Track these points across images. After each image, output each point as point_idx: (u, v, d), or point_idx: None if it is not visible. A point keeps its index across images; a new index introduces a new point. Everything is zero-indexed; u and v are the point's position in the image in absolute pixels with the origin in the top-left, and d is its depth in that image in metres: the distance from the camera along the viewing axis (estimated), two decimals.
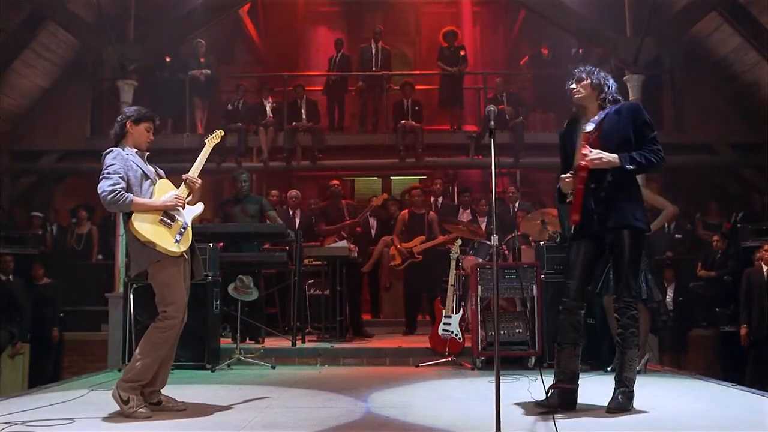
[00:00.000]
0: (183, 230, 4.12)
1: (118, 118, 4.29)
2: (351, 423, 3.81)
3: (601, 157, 3.97)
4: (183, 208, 4.20)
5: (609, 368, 5.81)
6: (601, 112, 4.15)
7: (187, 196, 4.29)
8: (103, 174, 4.03)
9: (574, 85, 4.24)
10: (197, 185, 4.32)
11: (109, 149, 4.16)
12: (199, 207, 4.36)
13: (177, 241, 4.06)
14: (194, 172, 4.37)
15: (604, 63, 10.76)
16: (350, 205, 9.38)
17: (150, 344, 4.01)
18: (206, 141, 4.59)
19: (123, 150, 4.16)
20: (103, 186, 3.97)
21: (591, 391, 4.34)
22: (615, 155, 3.98)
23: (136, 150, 4.23)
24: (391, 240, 8.61)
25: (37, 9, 9.70)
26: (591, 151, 3.99)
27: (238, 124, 10.66)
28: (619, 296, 4.06)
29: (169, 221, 4.09)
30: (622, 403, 3.94)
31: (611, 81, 4.23)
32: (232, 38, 13.52)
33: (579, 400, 4.04)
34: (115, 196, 3.94)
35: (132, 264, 4.24)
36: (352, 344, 7.35)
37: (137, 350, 4.05)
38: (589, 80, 4.19)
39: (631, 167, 3.96)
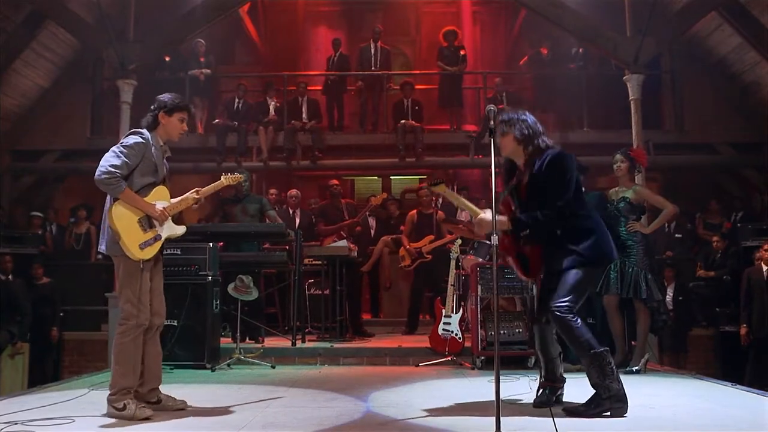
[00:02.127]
0: (154, 240, 4.04)
1: (152, 107, 4.18)
2: (351, 422, 3.81)
3: (483, 223, 3.96)
4: (163, 222, 4.10)
5: None
6: (527, 169, 4.02)
7: (195, 204, 4.31)
8: (115, 150, 3.96)
9: (499, 140, 4.08)
10: (197, 203, 4.34)
11: (140, 132, 4.07)
12: (181, 229, 4.28)
13: (142, 247, 3.97)
14: (204, 193, 4.36)
15: (605, 63, 10.83)
16: (349, 205, 9.38)
17: (118, 353, 3.95)
18: (222, 178, 4.55)
19: (151, 140, 4.07)
20: (106, 162, 3.89)
21: (590, 390, 4.33)
22: (504, 218, 3.96)
23: (164, 142, 4.17)
24: (392, 240, 8.60)
25: (37, 9, 9.70)
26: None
27: (235, 123, 10.68)
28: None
29: (145, 226, 4.01)
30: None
31: (537, 127, 4.03)
32: (232, 38, 13.54)
33: (578, 401, 4.05)
34: (110, 178, 3.85)
35: (102, 239, 4.09)
36: (352, 344, 7.34)
37: (112, 362, 3.99)
38: (512, 134, 4.03)
39: (523, 232, 3.93)
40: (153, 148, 4.07)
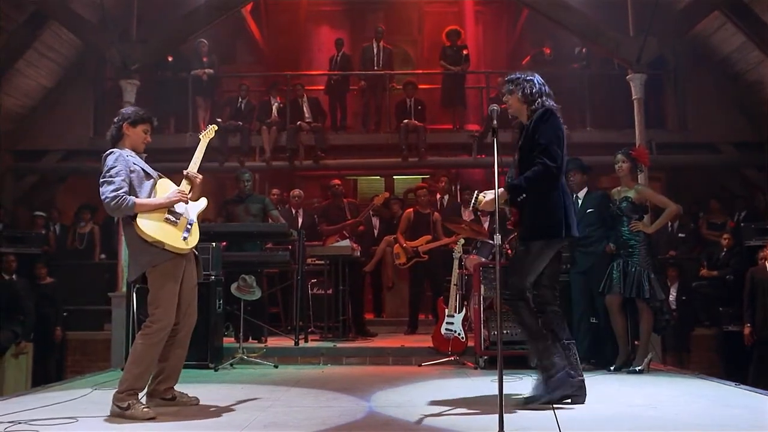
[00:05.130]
0: (190, 226, 4.12)
1: (115, 119, 4.23)
2: (353, 422, 3.81)
3: (487, 201, 4.08)
4: (187, 203, 4.19)
5: (612, 368, 5.81)
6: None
7: (189, 192, 4.28)
8: (105, 177, 3.98)
9: (505, 98, 4.25)
10: (198, 180, 4.31)
11: (110, 151, 4.10)
12: (203, 202, 4.35)
13: (185, 238, 4.06)
14: (193, 167, 4.36)
15: (607, 62, 10.81)
16: (352, 204, 9.38)
17: (138, 354, 3.97)
18: (200, 137, 4.56)
19: (123, 151, 4.12)
20: (106, 191, 3.93)
21: (594, 390, 4.34)
22: (501, 190, 3.97)
23: (135, 152, 4.19)
24: (394, 239, 8.61)
25: (40, 9, 9.70)
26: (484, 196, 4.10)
27: (239, 123, 10.70)
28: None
29: (174, 219, 4.07)
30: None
31: (541, 87, 4.16)
32: (235, 38, 13.53)
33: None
34: (118, 201, 3.90)
35: (132, 266, 4.16)
36: (355, 343, 7.35)
37: (128, 361, 4.02)
38: (517, 93, 4.17)
39: (519, 198, 3.99)
40: (129, 156, 4.10)
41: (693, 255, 9.96)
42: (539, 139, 4.01)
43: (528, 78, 4.20)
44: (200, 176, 4.35)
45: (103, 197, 3.95)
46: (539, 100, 4.13)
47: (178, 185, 4.26)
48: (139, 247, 4.01)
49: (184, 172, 4.32)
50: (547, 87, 4.21)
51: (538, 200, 4.04)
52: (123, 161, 4.04)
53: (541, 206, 4.04)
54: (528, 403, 4.03)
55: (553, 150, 3.98)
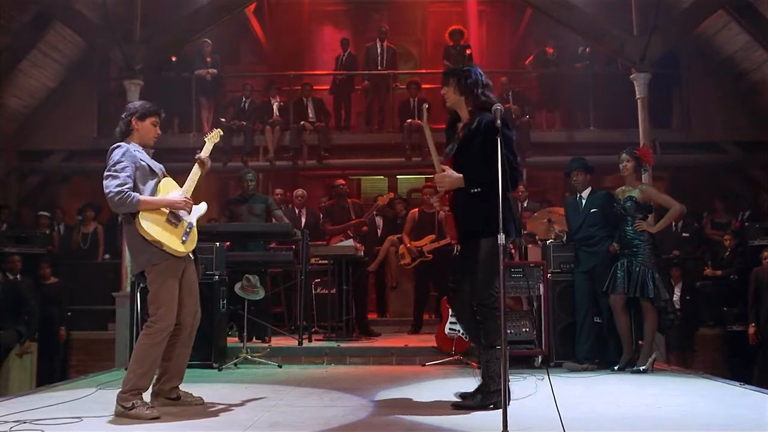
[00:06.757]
0: (189, 230, 4.12)
1: (123, 115, 4.20)
2: (357, 422, 3.81)
3: (445, 180, 4.01)
4: (189, 211, 4.18)
5: (616, 367, 5.80)
6: (467, 123, 4.07)
7: (202, 172, 4.30)
8: (110, 171, 3.96)
9: (443, 91, 4.15)
10: (208, 165, 4.33)
11: (117, 144, 4.09)
12: (203, 207, 4.34)
13: (184, 241, 4.06)
14: (204, 156, 4.37)
15: (611, 61, 10.80)
16: (356, 204, 9.38)
17: (141, 354, 3.96)
18: (206, 139, 4.55)
19: (130, 145, 4.10)
20: (110, 186, 3.91)
21: (598, 390, 4.34)
22: (460, 176, 3.97)
23: (142, 147, 4.18)
24: (398, 239, 8.60)
25: (44, 9, 9.73)
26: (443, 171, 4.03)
27: (243, 123, 10.71)
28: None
29: (175, 221, 4.06)
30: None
31: (478, 78, 4.03)
32: (238, 38, 13.54)
33: (585, 400, 4.05)
34: (122, 197, 3.88)
35: (132, 263, 4.18)
36: (359, 343, 7.34)
37: (131, 360, 4.02)
38: (453, 85, 4.07)
39: (473, 190, 3.91)
40: (136, 151, 4.09)
41: (697, 254, 9.94)
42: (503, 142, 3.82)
43: (465, 69, 4.09)
44: (209, 162, 4.37)
45: (107, 191, 3.92)
46: (476, 91, 4.02)
47: (181, 185, 4.26)
48: (139, 246, 4.01)
49: (197, 156, 4.33)
50: (485, 78, 4.09)
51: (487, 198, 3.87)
52: (130, 156, 4.02)
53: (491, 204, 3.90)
54: (456, 408, 4.01)
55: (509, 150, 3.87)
